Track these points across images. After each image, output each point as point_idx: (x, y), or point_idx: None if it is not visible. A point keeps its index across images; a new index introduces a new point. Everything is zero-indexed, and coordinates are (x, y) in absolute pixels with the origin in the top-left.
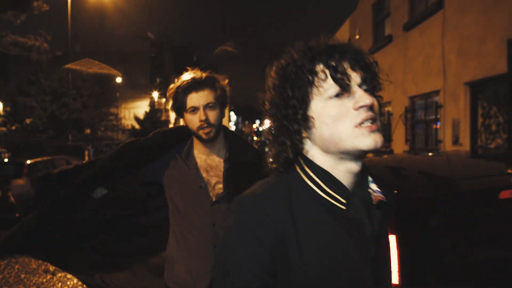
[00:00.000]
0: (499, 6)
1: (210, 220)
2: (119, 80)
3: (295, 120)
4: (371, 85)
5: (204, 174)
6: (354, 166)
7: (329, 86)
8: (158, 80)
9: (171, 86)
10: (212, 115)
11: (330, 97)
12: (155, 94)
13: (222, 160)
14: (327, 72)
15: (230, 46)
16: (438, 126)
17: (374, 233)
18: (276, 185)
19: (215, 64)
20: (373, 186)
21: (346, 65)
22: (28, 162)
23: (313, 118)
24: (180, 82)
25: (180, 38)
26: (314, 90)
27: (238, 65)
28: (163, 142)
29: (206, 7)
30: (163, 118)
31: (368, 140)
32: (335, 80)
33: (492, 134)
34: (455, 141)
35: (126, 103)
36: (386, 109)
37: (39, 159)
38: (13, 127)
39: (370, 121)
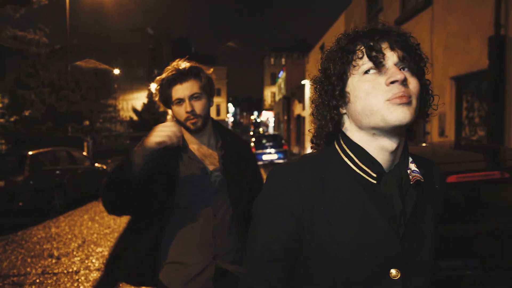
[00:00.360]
0: (481, 5)
1: (211, 210)
2: (117, 72)
3: (333, 96)
4: (409, 64)
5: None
6: (387, 143)
7: (364, 62)
8: (156, 71)
9: (157, 78)
10: (198, 105)
11: (365, 73)
12: (153, 86)
13: (214, 149)
14: (364, 50)
15: (234, 43)
16: (428, 119)
17: (408, 210)
18: (314, 158)
19: (215, 56)
20: (412, 166)
21: (384, 45)
22: (30, 153)
23: (349, 93)
24: (165, 74)
25: (179, 30)
26: (352, 67)
27: (237, 57)
28: None
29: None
30: (161, 109)
31: (396, 113)
32: (369, 56)
33: (475, 127)
34: (441, 133)
35: (124, 94)
36: None
37: (41, 150)
38: (12, 119)
39: (399, 95)
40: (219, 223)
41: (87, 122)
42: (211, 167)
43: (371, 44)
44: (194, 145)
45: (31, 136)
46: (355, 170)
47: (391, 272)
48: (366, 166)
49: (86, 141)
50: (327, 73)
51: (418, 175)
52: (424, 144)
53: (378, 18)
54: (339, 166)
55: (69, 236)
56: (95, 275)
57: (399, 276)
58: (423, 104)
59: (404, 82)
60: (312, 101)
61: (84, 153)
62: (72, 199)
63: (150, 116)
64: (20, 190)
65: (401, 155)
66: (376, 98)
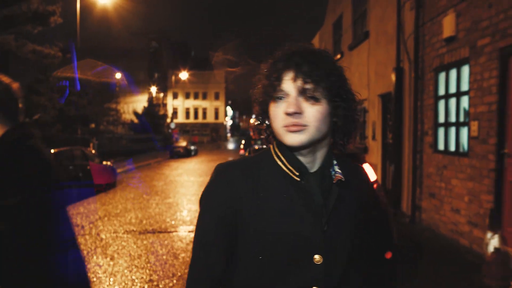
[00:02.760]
0: (392, 43)
1: None
2: (118, 76)
3: (263, 114)
4: (311, 95)
5: None
6: (298, 154)
7: (271, 91)
8: (156, 75)
9: None
10: None
11: (275, 100)
12: (153, 89)
13: None
14: (272, 81)
15: (230, 54)
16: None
17: (329, 204)
18: (250, 158)
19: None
20: (336, 168)
21: (290, 76)
22: (53, 151)
23: (269, 114)
24: None
25: (178, 34)
26: (267, 95)
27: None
28: None
29: (204, 4)
30: (161, 112)
31: (290, 137)
32: (272, 86)
33: (391, 133)
34: (373, 137)
35: (125, 97)
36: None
37: (62, 148)
38: (26, 120)
39: (290, 125)
40: None
41: (93, 125)
42: None
43: (280, 76)
44: None
45: (43, 138)
46: (283, 169)
47: (315, 257)
48: (291, 166)
49: (92, 142)
50: (257, 93)
51: (340, 175)
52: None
53: (340, 41)
54: (271, 165)
55: (77, 218)
56: (111, 240)
57: (321, 261)
58: (340, 120)
59: (296, 114)
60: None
61: (93, 152)
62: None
63: (150, 119)
64: None
65: (323, 160)
66: (277, 123)
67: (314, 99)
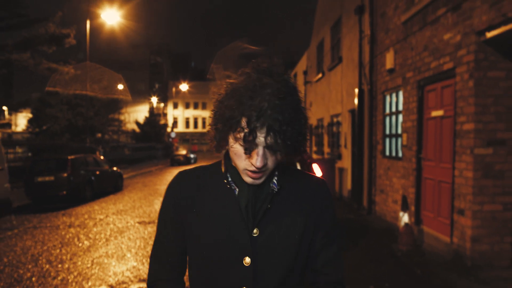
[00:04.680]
0: (356, 67)
1: None
2: (120, 87)
3: (217, 139)
4: (275, 148)
5: None
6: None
7: (239, 138)
8: (156, 85)
9: None
10: None
11: (240, 144)
12: (154, 99)
13: None
14: (244, 131)
15: (228, 70)
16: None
17: (260, 211)
18: (206, 167)
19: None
20: (274, 180)
21: (261, 132)
22: (70, 157)
23: (227, 142)
24: None
25: (178, 46)
26: (233, 131)
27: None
28: None
29: (204, 15)
30: (162, 122)
31: (249, 179)
32: (244, 141)
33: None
34: (345, 146)
35: (126, 107)
36: (332, 120)
37: (77, 155)
38: (37, 130)
39: (254, 172)
40: None
41: (99, 135)
42: None
43: (251, 129)
44: None
45: (55, 147)
46: (224, 181)
47: (245, 259)
48: (230, 177)
49: (98, 150)
50: (215, 120)
51: (275, 186)
52: None
53: (322, 62)
54: (218, 174)
55: (96, 213)
56: (118, 224)
57: (250, 264)
58: (297, 146)
59: (261, 168)
60: (210, 117)
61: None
62: (97, 191)
63: (151, 128)
64: (64, 183)
65: (268, 176)
66: (240, 162)
67: (277, 151)
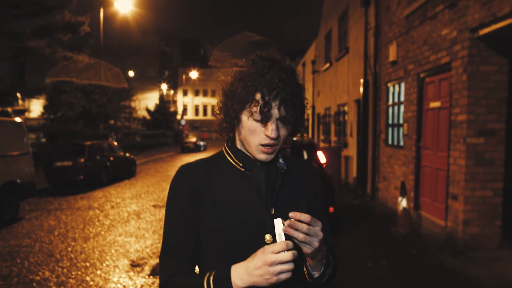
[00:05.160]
0: (362, 59)
1: None
2: (131, 74)
3: (229, 120)
4: (287, 120)
5: None
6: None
7: (256, 111)
8: (166, 73)
9: None
10: None
11: (255, 119)
12: (164, 86)
13: None
14: (258, 105)
15: (236, 58)
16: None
17: (275, 189)
18: (207, 157)
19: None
20: (280, 160)
21: (275, 103)
22: (87, 143)
23: (240, 121)
24: None
25: (188, 32)
26: (247, 108)
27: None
28: None
29: (214, 1)
30: (172, 109)
31: (262, 156)
32: (261, 112)
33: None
34: (351, 134)
35: (136, 94)
36: (339, 109)
37: (94, 141)
38: (51, 116)
39: (269, 146)
40: None
41: (112, 121)
42: None
43: (266, 101)
44: None
45: (70, 133)
46: (233, 164)
47: (266, 237)
48: (239, 161)
49: (111, 136)
50: (226, 102)
51: (283, 166)
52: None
53: (330, 52)
54: (225, 162)
55: (112, 197)
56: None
57: (272, 240)
58: (297, 126)
59: (275, 138)
60: (218, 103)
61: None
62: (112, 176)
63: (161, 116)
64: (82, 168)
65: (275, 155)
66: (254, 139)
67: (288, 123)
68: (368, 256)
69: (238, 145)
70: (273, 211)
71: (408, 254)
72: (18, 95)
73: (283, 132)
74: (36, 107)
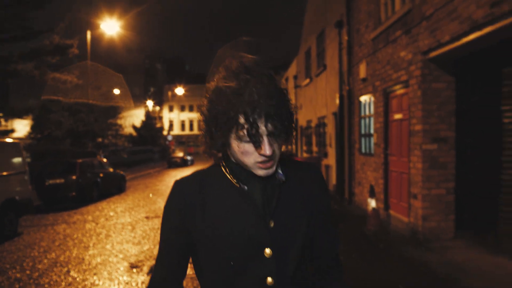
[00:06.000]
0: (337, 75)
1: None
2: (117, 92)
3: (217, 147)
4: (278, 134)
5: None
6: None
7: (244, 134)
8: (152, 89)
9: None
10: None
11: (245, 141)
12: (150, 103)
13: None
14: (245, 128)
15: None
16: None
17: (270, 204)
18: (200, 171)
19: (207, 74)
20: (279, 170)
21: (260, 121)
22: (78, 161)
23: (230, 145)
24: None
25: (173, 50)
26: (233, 132)
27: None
28: None
29: (198, 19)
30: (158, 125)
31: (261, 171)
32: (249, 135)
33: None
34: (330, 145)
35: (123, 112)
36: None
37: (85, 159)
38: (39, 135)
39: (266, 162)
40: None
41: (99, 139)
42: None
43: (251, 123)
44: None
45: (58, 151)
46: (229, 179)
47: (266, 251)
48: (233, 175)
49: (99, 154)
50: (209, 125)
51: (281, 177)
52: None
53: (310, 68)
54: (221, 177)
55: (105, 211)
56: (123, 219)
57: (272, 254)
58: (289, 134)
59: (271, 155)
60: (202, 126)
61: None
62: (103, 192)
63: (147, 132)
64: (74, 184)
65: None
66: (249, 159)
67: (279, 136)
68: (341, 251)
69: (233, 159)
70: (272, 224)
71: (376, 248)
72: (0, 114)
73: (276, 146)
74: (19, 127)
